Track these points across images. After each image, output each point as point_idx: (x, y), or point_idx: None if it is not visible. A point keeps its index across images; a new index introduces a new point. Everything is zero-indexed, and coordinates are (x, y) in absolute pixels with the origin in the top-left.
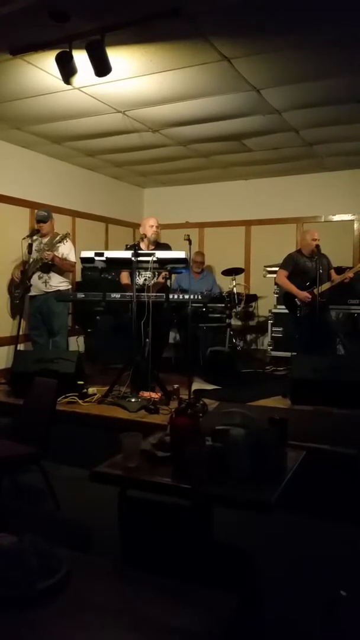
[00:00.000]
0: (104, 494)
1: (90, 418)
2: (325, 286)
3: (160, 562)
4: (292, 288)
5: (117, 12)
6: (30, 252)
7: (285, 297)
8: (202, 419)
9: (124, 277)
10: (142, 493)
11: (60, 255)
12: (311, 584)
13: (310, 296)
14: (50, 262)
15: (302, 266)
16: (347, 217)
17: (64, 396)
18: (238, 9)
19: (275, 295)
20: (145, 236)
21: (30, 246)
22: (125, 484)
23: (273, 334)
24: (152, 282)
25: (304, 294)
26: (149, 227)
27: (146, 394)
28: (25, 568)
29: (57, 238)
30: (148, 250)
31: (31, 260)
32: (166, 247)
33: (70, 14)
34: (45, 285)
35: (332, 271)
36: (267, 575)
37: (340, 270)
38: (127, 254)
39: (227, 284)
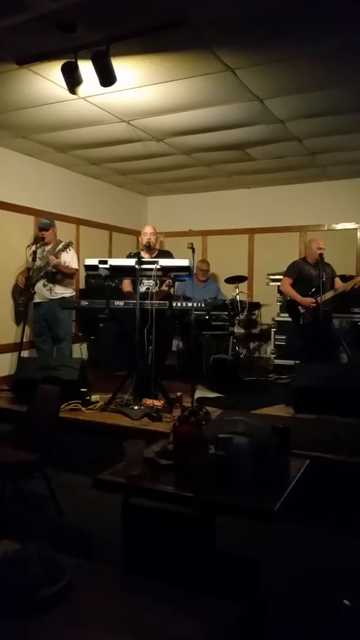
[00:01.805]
0: (106, 501)
1: (93, 425)
2: (329, 295)
3: (163, 570)
4: (296, 295)
5: (123, 23)
6: (34, 259)
7: (288, 305)
8: (204, 427)
9: (126, 285)
10: (145, 500)
11: (63, 263)
12: (313, 592)
13: (314, 302)
14: (53, 270)
15: (307, 274)
16: (350, 225)
17: (67, 403)
18: (242, 21)
19: (279, 303)
20: (149, 244)
21: (34, 254)
22: (128, 492)
23: (276, 342)
24: (155, 289)
25: (309, 300)
26: (143, 235)
27: (149, 401)
28: (29, 575)
29: (60, 247)
30: (149, 257)
31: (35, 267)
32: (168, 254)
33: (77, 25)
34: (50, 293)
35: (337, 279)
36: (269, 584)
37: (344, 278)
38: (131, 262)
39: (230, 292)
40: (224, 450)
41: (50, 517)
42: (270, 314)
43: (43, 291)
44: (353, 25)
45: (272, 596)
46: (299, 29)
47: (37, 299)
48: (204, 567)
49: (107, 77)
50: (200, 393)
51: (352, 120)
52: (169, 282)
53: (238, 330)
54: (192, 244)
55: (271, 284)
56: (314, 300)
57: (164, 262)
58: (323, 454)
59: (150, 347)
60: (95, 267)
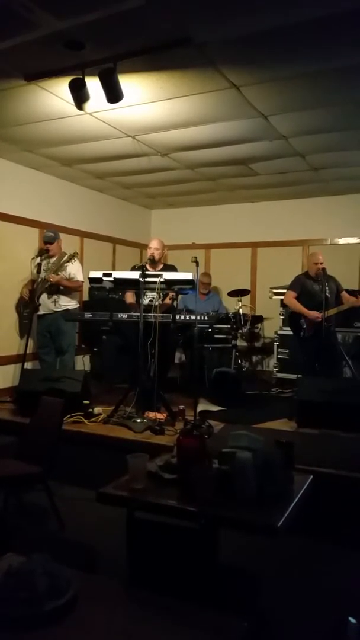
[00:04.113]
0: (108, 514)
1: (96, 438)
2: (332, 311)
3: (167, 584)
4: (301, 308)
5: (130, 41)
6: (39, 271)
7: (290, 318)
8: (207, 441)
9: (129, 297)
10: (148, 514)
11: (68, 275)
12: (317, 608)
13: (319, 315)
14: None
15: (309, 289)
16: (353, 240)
17: (69, 415)
18: (247, 40)
19: (281, 317)
20: (153, 258)
21: (39, 266)
22: (131, 506)
23: (279, 356)
24: (157, 302)
25: (314, 314)
26: (148, 249)
27: (152, 414)
28: (34, 588)
29: (65, 258)
30: (154, 271)
31: (39, 279)
32: (172, 268)
33: (85, 42)
34: (55, 305)
35: (344, 293)
36: (272, 599)
37: (347, 292)
38: (135, 275)
39: (233, 305)
40: (227, 464)
41: (52, 530)
42: (272, 327)
43: (47, 303)
44: (356, 45)
45: (274, 611)
46: (302, 48)
47: (41, 311)
48: (206, 581)
49: (114, 94)
50: (202, 406)
51: (355, 136)
52: (172, 295)
53: (241, 343)
54: (196, 257)
55: (274, 297)
56: (319, 315)
57: (168, 275)
58: (326, 469)
59: (153, 360)
60: (99, 280)
